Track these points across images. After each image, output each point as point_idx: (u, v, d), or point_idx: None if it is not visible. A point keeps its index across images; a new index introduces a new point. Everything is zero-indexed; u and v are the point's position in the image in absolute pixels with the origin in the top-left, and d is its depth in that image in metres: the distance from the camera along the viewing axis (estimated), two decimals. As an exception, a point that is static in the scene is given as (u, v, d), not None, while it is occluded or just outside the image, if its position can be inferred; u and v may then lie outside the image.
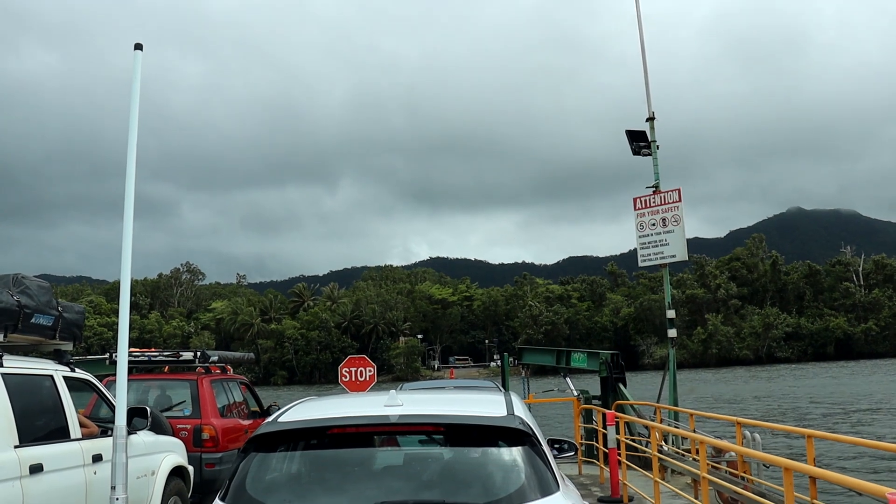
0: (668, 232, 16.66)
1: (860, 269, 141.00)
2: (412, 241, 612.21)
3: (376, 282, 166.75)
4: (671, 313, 16.90)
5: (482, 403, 4.49)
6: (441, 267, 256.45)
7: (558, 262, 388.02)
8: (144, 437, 8.27)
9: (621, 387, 16.66)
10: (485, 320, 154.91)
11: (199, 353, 12.04)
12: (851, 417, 36.53)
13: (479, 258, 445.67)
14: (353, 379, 17.64)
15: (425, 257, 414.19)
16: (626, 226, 17.72)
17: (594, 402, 16.56)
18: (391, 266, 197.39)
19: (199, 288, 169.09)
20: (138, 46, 6.34)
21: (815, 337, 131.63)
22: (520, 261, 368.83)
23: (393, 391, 4.42)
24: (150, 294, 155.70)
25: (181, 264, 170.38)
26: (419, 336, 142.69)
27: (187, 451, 9.66)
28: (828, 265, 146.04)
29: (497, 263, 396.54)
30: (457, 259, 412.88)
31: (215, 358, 12.34)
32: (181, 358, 12.01)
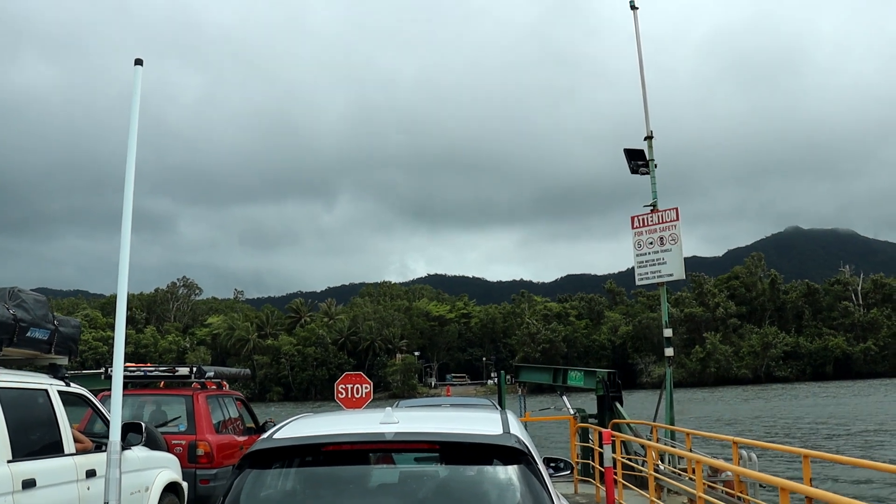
0: (665, 251, 16.71)
1: (859, 288, 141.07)
2: (410, 258, 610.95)
3: (374, 298, 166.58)
4: (668, 332, 16.91)
5: (478, 421, 4.47)
6: (439, 284, 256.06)
7: (556, 279, 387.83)
8: (139, 452, 8.23)
9: (618, 405, 16.62)
10: (482, 338, 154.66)
11: (194, 369, 12.01)
12: (855, 438, 36.33)
13: (477, 275, 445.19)
14: (350, 396, 17.59)
15: (423, 274, 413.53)
16: (624, 244, 17.75)
17: (591, 420, 16.52)
18: (389, 282, 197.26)
19: (196, 303, 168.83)
20: (138, 62, 6.36)
21: (814, 356, 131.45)
22: (518, 278, 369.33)
23: (389, 408, 4.40)
24: (146, 308, 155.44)
25: (178, 279, 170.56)
26: (416, 353, 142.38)
27: (182, 466, 9.62)
28: (826, 284, 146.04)
29: (495, 281, 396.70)
30: (455, 276, 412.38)
31: (211, 373, 12.31)
32: (177, 373, 11.98)
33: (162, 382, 12.31)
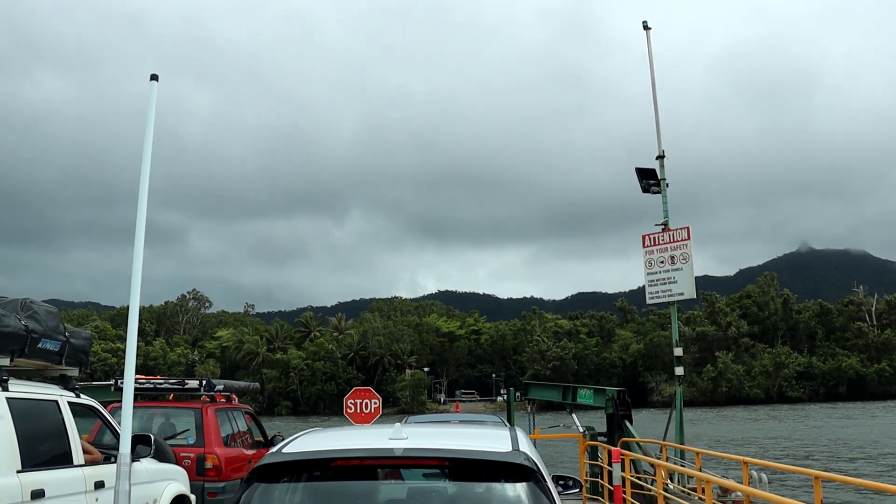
0: (676, 270, 16.70)
1: (873, 308, 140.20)
2: (420, 274, 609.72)
3: (384, 313, 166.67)
4: (678, 351, 16.86)
5: (487, 438, 4.46)
6: (449, 300, 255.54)
7: (567, 297, 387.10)
8: (147, 464, 8.24)
9: (627, 424, 16.53)
10: (492, 354, 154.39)
11: (204, 382, 12.03)
12: (876, 461, 35.69)
13: (487, 292, 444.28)
14: (359, 411, 17.57)
15: (433, 290, 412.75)
16: (635, 262, 17.73)
17: (600, 438, 16.45)
18: (399, 298, 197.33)
19: (206, 316, 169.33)
20: (154, 77, 6.41)
21: (827, 377, 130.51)
22: (528, 295, 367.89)
23: (398, 424, 4.40)
24: (155, 321, 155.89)
25: (188, 291, 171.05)
26: (426, 369, 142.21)
27: (190, 479, 9.63)
28: (840, 304, 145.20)
29: (505, 298, 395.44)
30: (465, 293, 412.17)
31: (220, 387, 12.33)
32: (186, 386, 12.01)
33: (171, 395, 12.33)
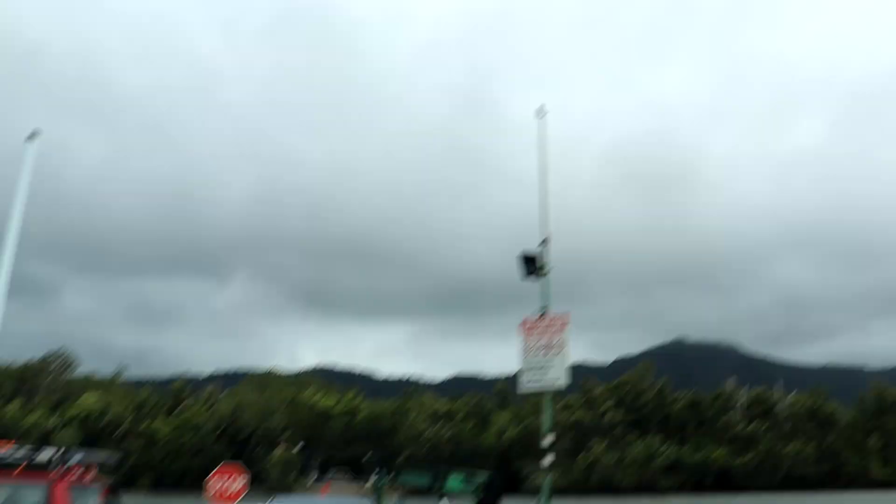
0: (552, 356, 16.88)
1: (741, 402, 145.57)
2: (300, 346, 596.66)
3: (259, 385, 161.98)
4: (548, 440, 17.00)
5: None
6: (328, 376, 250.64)
7: (446, 378, 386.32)
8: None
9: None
10: (368, 434, 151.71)
11: (57, 453, 11.35)
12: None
13: (367, 368, 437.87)
14: (223, 489, 16.94)
15: (312, 363, 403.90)
16: (515, 345, 17.81)
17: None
18: (276, 371, 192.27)
19: (71, 379, 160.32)
20: (32, 136, 6.22)
21: (696, 468, 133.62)
22: (408, 374, 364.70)
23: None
24: (15, 381, 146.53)
25: (53, 350, 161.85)
26: (298, 446, 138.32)
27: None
28: (710, 397, 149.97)
29: (385, 375, 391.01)
30: (344, 369, 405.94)
31: (77, 458, 11.65)
32: (36, 457, 11.23)
33: (19, 467, 11.50)
